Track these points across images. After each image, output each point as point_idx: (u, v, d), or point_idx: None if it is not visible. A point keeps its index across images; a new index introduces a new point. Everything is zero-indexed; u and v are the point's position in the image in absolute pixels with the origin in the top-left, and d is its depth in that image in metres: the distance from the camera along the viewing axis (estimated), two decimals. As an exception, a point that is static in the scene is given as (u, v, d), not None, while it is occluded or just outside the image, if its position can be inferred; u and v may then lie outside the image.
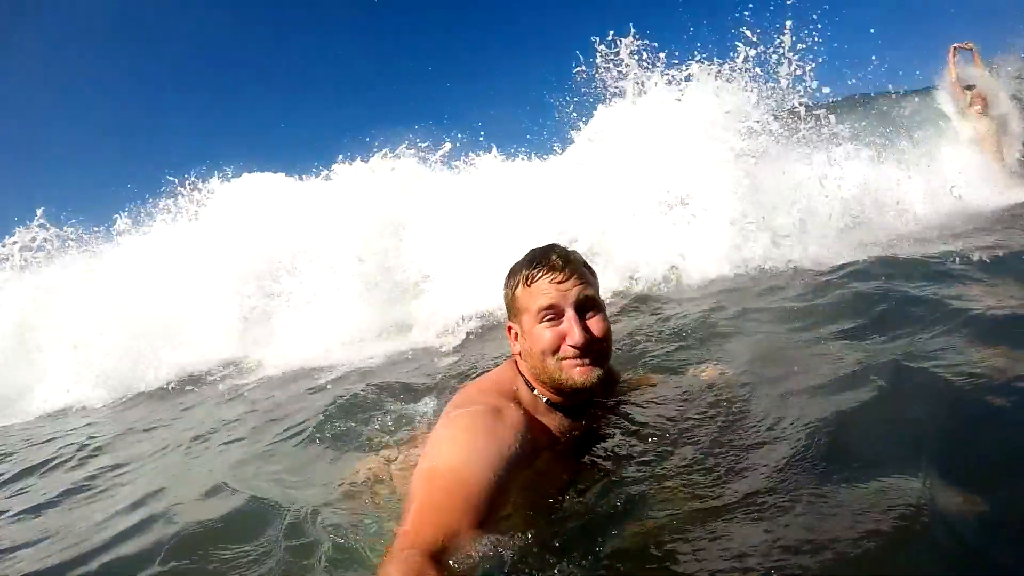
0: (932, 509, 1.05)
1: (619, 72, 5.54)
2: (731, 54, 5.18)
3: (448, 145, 6.78)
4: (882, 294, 2.47)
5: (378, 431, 2.18)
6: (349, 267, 5.67)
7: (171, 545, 1.55)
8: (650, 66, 5.48)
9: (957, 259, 2.86)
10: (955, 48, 8.03)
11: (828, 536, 1.04)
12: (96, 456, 3.03)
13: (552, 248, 1.45)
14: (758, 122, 4.87)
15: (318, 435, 2.28)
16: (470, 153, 6.59)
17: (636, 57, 5.48)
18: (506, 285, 1.48)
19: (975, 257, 2.88)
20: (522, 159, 6.72)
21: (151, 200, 7.69)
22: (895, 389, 1.54)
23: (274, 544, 1.43)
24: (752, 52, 5.05)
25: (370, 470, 1.70)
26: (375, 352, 4.21)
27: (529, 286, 1.40)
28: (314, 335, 5.01)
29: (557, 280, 1.37)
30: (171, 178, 8.00)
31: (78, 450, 3.16)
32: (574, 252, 1.46)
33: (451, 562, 1.01)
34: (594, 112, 5.89)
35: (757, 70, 5.10)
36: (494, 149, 6.59)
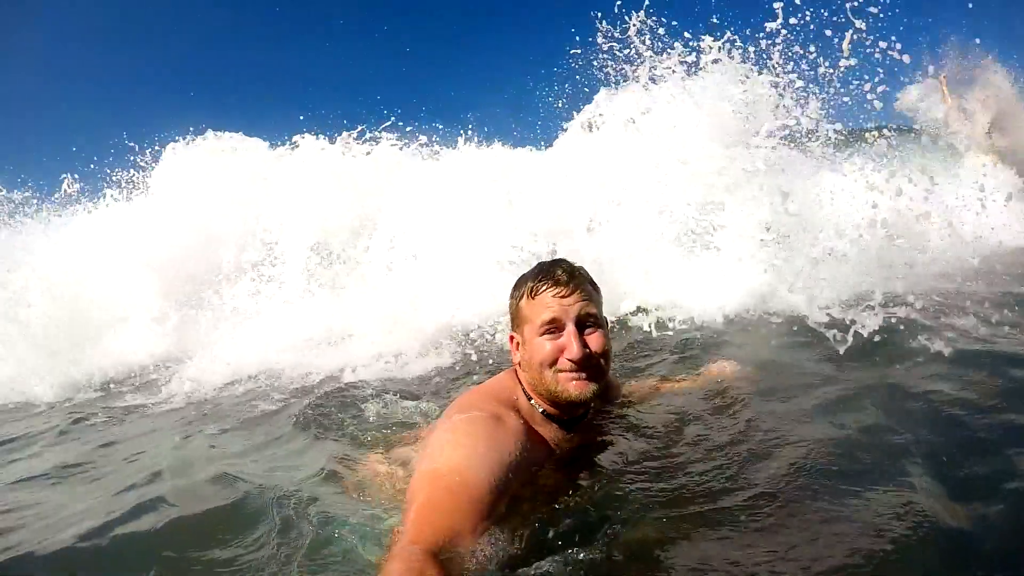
0: (928, 514, 1.14)
1: (625, 54, 4.44)
2: (764, 23, 3.86)
3: (423, 139, 5.98)
4: (882, 323, 2.55)
5: (374, 430, 2.23)
6: (313, 261, 5.26)
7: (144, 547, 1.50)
8: (667, 48, 4.32)
9: (953, 294, 3.04)
10: (944, 78, 7.03)
11: (826, 539, 1.12)
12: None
13: (558, 263, 1.54)
14: (797, 122, 3.73)
15: (309, 433, 2.30)
16: (439, 147, 5.75)
17: (648, 36, 4.33)
18: (511, 296, 1.58)
19: (975, 295, 3.08)
20: (499, 145, 5.88)
21: (97, 167, 6.90)
22: (888, 409, 1.67)
23: (269, 541, 1.43)
24: (782, 31, 3.74)
25: (369, 468, 1.76)
26: (353, 356, 3.92)
27: (533, 298, 1.49)
28: (282, 336, 4.51)
29: (560, 295, 1.46)
30: (130, 143, 7.11)
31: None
32: (580, 267, 1.55)
33: (451, 562, 1.08)
34: (594, 97, 4.94)
35: (797, 48, 3.83)
36: (461, 138, 5.68)
